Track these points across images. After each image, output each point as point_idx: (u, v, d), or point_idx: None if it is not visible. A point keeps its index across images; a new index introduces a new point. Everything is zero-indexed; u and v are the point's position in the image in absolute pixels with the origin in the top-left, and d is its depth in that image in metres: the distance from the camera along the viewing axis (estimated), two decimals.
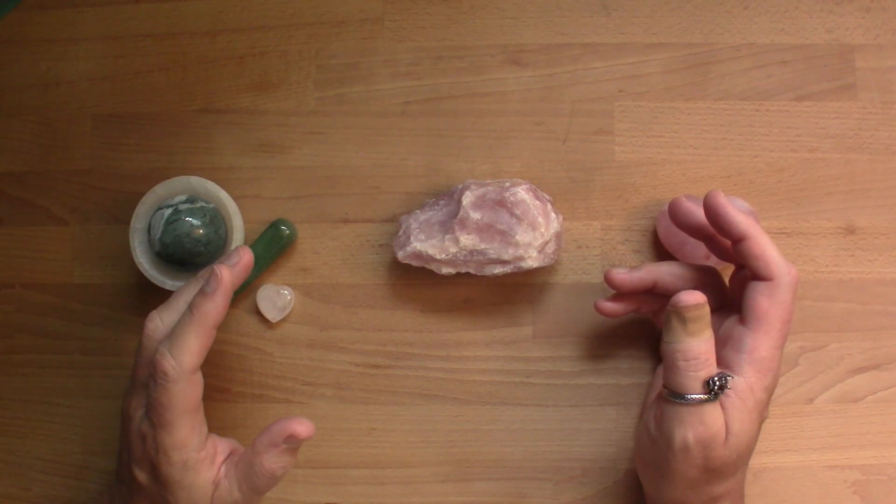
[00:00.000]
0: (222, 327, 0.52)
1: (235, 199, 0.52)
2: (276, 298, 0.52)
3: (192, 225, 0.48)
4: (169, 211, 0.49)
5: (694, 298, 0.40)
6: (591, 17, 0.53)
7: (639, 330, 0.52)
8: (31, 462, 0.53)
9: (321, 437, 0.52)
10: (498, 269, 0.48)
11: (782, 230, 0.52)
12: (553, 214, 0.49)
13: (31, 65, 0.55)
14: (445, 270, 0.49)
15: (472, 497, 0.51)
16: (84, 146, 0.54)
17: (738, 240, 0.43)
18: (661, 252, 0.52)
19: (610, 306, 0.48)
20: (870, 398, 0.51)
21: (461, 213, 0.48)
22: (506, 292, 0.52)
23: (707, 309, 0.40)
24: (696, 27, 0.53)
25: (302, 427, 0.42)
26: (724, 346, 0.43)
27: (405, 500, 0.52)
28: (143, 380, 0.42)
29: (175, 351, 0.41)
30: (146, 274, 0.50)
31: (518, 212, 0.48)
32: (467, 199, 0.48)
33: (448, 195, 0.51)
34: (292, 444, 0.42)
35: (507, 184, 0.49)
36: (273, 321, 0.52)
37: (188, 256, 0.48)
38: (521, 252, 0.48)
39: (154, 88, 0.54)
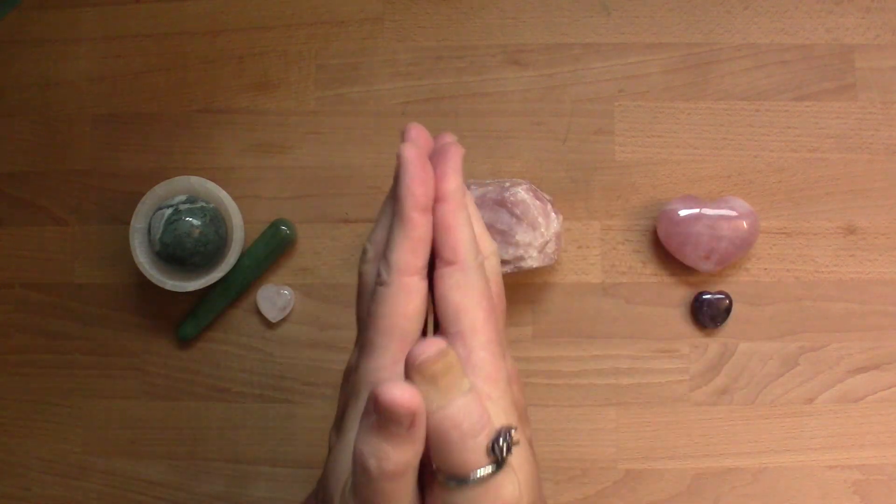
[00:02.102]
0: (222, 327, 0.53)
1: (235, 199, 0.52)
2: (276, 298, 0.52)
3: (192, 225, 0.48)
4: (169, 211, 0.49)
5: (432, 347, 0.30)
6: (591, 17, 0.53)
7: (639, 330, 0.52)
8: (31, 462, 0.53)
9: (321, 436, 0.52)
10: None
11: (782, 230, 0.52)
12: (553, 214, 0.49)
13: (31, 65, 0.55)
14: None
15: None
16: (84, 146, 0.54)
17: (436, 199, 0.33)
18: (661, 252, 0.52)
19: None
20: (870, 398, 0.51)
21: None
22: (506, 292, 0.52)
23: (453, 354, 0.30)
24: (696, 27, 0.53)
25: None
26: None
27: None
28: (365, 315, 0.34)
29: (387, 251, 0.33)
30: (146, 274, 0.50)
31: (518, 212, 0.48)
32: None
33: None
34: None
35: (507, 184, 0.49)
36: (273, 321, 0.52)
37: (188, 256, 0.49)
38: (521, 252, 0.48)
39: (154, 88, 0.54)
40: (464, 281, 0.33)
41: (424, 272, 0.33)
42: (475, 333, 0.33)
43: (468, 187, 0.49)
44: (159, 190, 0.50)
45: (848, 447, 0.51)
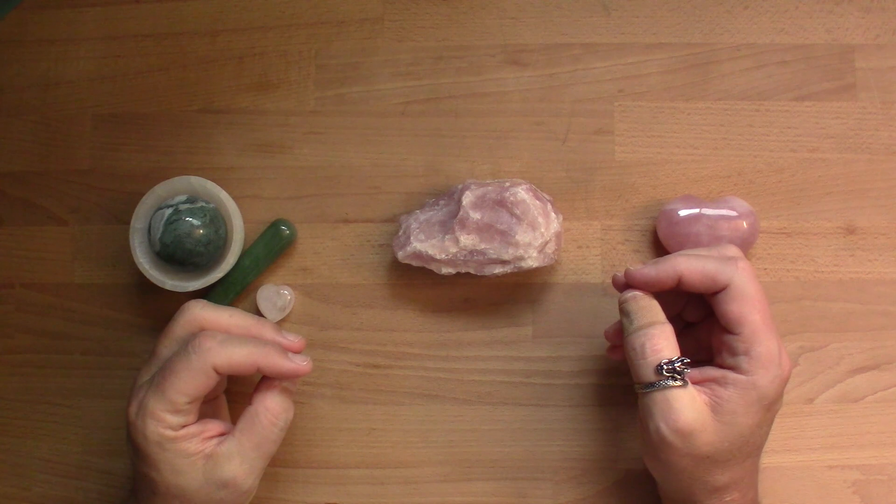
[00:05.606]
0: None
1: (235, 199, 0.52)
2: (276, 298, 0.52)
3: (192, 225, 0.48)
4: (169, 211, 0.49)
5: (629, 291, 0.44)
6: (591, 17, 0.53)
7: None
8: (31, 462, 0.53)
9: (321, 436, 0.52)
10: (498, 269, 0.48)
11: (782, 230, 0.52)
12: (553, 214, 0.49)
13: (31, 65, 0.55)
14: (445, 270, 0.49)
15: (472, 497, 0.51)
16: (84, 146, 0.54)
17: (675, 282, 0.43)
18: (661, 252, 0.52)
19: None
20: (870, 398, 0.51)
21: (461, 213, 0.48)
22: (506, 292, 0.52)
23: (647, 301, 0.43)
24: (696, 27, 0.53)
25: (297, 365, 0.44)
26: (719, 355, 0.43)
27: (405, 500, 0.52)
28: (166, 354, 0.44)
29: (218, 347, 0.43)
30: (146, 274, 0.50)
31: (518, 212, 0.48)
32: (467, 199, 0.48)
33: (448, 195, 0.51)
34: (289, 384, 0.46)
35: (507, 184, 0.49)
36: (273, 321, 0.52)
37: (188, 256, 0.49)
38: (521, 252, 0.48)
39: (154, 88, 0.54)
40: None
41: None
42: (756, 334, 0.42)
43: (468, 187, 0.49)
44: (159, 190, 0.50)
45: (848, 447, 0.51)
